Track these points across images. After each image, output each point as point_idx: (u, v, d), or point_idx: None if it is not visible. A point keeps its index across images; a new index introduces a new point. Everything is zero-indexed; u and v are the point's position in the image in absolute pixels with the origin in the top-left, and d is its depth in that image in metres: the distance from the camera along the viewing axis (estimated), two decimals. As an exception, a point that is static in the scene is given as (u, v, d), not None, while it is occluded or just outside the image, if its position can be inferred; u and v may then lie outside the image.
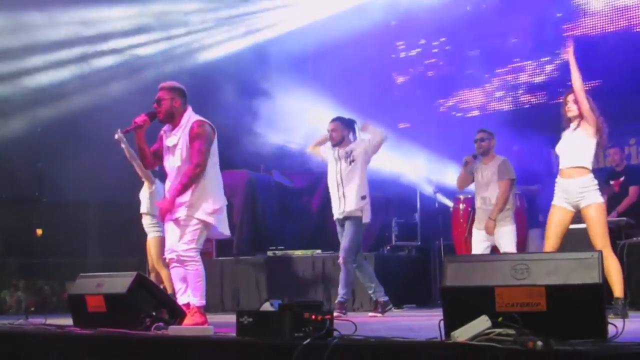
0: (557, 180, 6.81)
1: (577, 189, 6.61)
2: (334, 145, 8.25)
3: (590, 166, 6.69)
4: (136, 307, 5.50)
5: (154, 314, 5.50)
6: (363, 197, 8.11)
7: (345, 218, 8.17)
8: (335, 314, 7.29)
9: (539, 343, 3.28)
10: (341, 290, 8.15)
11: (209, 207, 6.13)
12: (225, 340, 4.56)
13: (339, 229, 8.30)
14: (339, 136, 8.18)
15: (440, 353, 3.56)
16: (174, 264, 6.24)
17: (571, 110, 6.70)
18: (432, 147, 11.17)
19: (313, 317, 4.17)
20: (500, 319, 3.65)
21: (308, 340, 3.92)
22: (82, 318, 5.80)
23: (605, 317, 3.78)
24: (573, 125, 6.75)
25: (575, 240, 7.08)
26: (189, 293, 6.15)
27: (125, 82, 12.23)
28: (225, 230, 6.34)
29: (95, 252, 14.33)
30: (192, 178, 6.04)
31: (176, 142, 6.16)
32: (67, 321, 5.94)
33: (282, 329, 4.14)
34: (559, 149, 6.80)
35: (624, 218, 9.11)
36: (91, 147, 11.55)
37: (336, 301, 8.19)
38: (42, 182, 13.49)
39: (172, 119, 6.21)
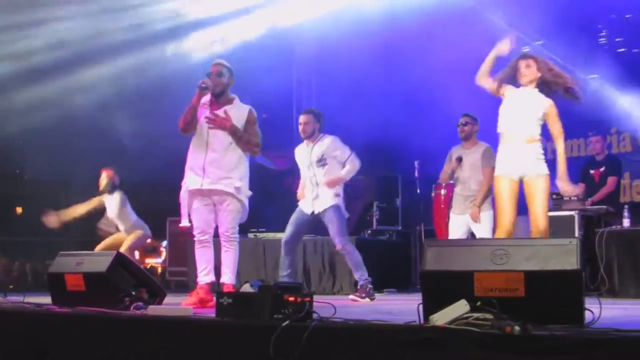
0: (501, 148, 6.28)
1: (528, 158, 6.10)
2: (305, 138, 8.22)
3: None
4: (116, 287, 5.48)
5: (133, 293, 5.49)
6: (337, 195, 8.09)
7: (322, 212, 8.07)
8: (351, 296, 7.66)
9: (517, 328, 3.31)
10: (356, 274, 8.09)
11: (247, 191, 6.83)
12: (204, 321, 4.57)
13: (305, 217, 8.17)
14: (310, 129, 8.13)
15: (419, 336, 3.58)
16: (205, 244, 6.73)
17: (525, 75, 6.16)
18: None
19: (292, 299, 4.19)
20: (478, 303, 3.67)
21: (287, 322, 3.94)
22: (61, 296, 5.77)
23: (583, 303, 3.82)
24: (529, 90, 6.21)
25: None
26: (226, 272, 6.69)
27: (112, 61, 12.14)
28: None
29: (76, 231, 14.26)
30: (251, 149, 6.84)
31: (231, 118, 6.68)
32: (46, 299, 5.93)
33: (262, 311, 4.16)
34: (508, 114, 6.21)
35: (604, 206, 9.16)
36: (73, 125, 11.50)
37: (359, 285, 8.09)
38: (23, 159, 13.41)
39: (222, 94, 6.77)
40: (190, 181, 6.70)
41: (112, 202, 9.70)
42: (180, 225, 7.05)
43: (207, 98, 6.74)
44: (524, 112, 6.16)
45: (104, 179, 9.82)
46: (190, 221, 6.84)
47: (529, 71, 6.18)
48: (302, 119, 8.21)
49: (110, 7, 11.74)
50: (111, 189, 9.74)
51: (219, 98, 6.74)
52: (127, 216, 9.67)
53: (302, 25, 12.40)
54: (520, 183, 6.16)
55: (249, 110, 6.79)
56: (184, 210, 6.79)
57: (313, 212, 8.03)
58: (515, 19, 10.58)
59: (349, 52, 11.90)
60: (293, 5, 12.51)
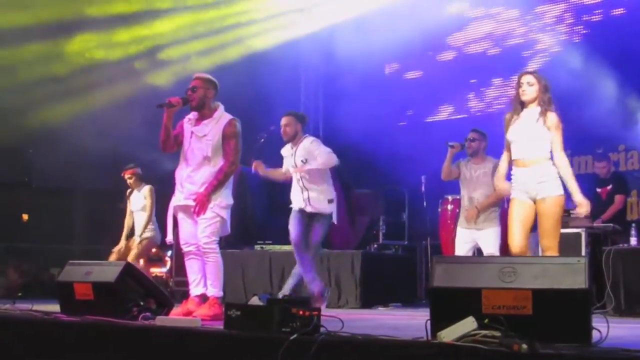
0: (514, 171, 6.19)
1: (539, 180, 6.02)
2: (287, 141, 8.18)
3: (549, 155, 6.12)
4: (124, 296, 5.52)
5: (141, 303, 5.52)
6: (330, 201, 8.10)
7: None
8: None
9: (524, 346, 3.33)
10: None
11: (224, 202, 6.49)
12: (212, 333, 4.59)
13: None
14: (292, 131, 8.08)
15: (427, 352, 3.60)
16: (192, 256, 6.57)
17: (526, 92, 6.08)
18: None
19: (300, 312, 4.21)
20: (486, 320, 3.69)
21: (295, 335, 3.96)
22: (69, 305, 5.81)
23: (590, 322, 3.83)
24: (531, 110, 6.12)
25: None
26: (208, 284, 6.47)
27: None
28: (227, 228, 6.66)
29: (81, 238, 14.29)
30: (228, 174, 6.47)
31: (207, 132, 6.51)
32: (54, 307, 5.95)
33: (270, 324, 4.18)
34: (516, 140, 6.16)
35: (611, 225, 9.15)
36: (82, 134, 11.53)
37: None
38: (32, 168, 13.46)
39: (202, 108, 6.54)
40: (175, 197, 6.67)
41: (139, 197, 9.69)
42: (166, 239, 7.06)
43: (193, 114, 6.61)
44: (530, 135, 6.07)
45: (129, 177, 9.76)
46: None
47: (530, 89, 6.11)
48: (283, 121, 8.13)
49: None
50: (139, 182, 9.73)
51: (200, 112, 6.56)
52: (151, 212, 9.66)
53: (310, 37, 12.44)
54: (534, 204, 6.06)
55: (226, 123, 6.52)
56: (169, 227, 6.80)
57: (304, 210, 8.07)
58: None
59: (357, 65, 11.93)
60: (301, 17, 12.55)
